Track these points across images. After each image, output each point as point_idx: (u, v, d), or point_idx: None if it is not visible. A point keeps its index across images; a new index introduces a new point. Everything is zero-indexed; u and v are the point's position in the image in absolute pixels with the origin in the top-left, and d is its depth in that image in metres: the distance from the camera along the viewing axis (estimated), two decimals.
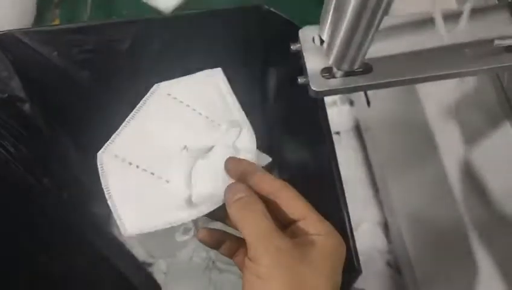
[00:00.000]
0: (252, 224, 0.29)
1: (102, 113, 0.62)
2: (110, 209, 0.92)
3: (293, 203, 0.31)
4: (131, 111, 0.43)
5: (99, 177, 0.40)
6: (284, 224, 0.31)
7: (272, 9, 0.51)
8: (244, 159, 0.35)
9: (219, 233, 0.35)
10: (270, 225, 0.28)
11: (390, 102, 0.90)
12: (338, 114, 1.12)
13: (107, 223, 0.89)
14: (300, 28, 0.38)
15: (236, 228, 0.30)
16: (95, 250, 0.74)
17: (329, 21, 0.33)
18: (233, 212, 0.30)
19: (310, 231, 0.30)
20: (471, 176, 0.61)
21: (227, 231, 0.36)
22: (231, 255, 0.35)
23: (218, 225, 0.37)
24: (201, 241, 0.35)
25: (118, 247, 0.83)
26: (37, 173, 0.63)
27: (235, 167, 0.34)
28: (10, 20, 0.96)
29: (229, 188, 0.32)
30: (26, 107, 0.56)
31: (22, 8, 1.07)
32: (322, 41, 0.36)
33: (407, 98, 0.79)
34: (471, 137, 0.60)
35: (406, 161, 0.87)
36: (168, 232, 0.89)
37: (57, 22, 1.21)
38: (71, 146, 0.65)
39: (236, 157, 0.35)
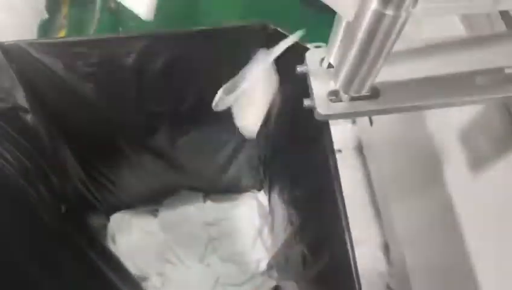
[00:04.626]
0: None
1: (104, 126, 0.62)
2: (106, 221, 0.91)
3: None
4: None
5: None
6: None
7: (278, 28, 0.51)
8: None
9: None
10: None
11: (394, 122, 0.90)
12: (340, 132, 1.11)
13: (103, 235, 0.89)
14: (305, 47, 0.38)
15: None
16: (90, 262, 0.73)
17: (337, 45, 0.33)
18: None
19: None
20: (476, 203, 0.60)
21: None
22: None
23: None
24: None
25: (113, 260, 0.82)
26: (36, 183, 0.62)
27: None
28: (16, 29, 0.96)
29: None
30: (29, 117, 0.56)
31: (29, 17, 1.07)
32: (329, 65, 0.36)
33: (411, 119, 0.79)
34: (477, 162, 0.59)
35: (408, 182, 0.86)
36: (160, 250, 0.88)
37: (63, 32, 1.22)
38: (71, 158, 0.64)
39: None
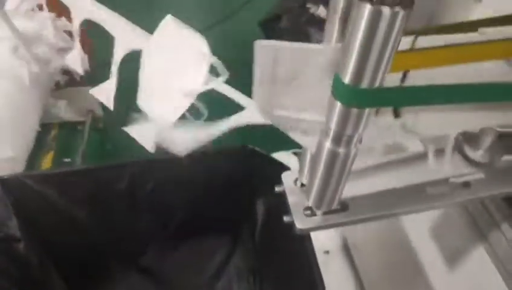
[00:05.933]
0: None
1: (94, 250, 0.63)
2: None
3: None
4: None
5: None
6: None
7: (256, 148, 0.57)
8: None
9: None
10: None
11: (375, 222, 0.93)
12: (326, 233, 1.13)
13: None
14: (284, 166, 0.44)
15: None
16: None
17: (306, 169, 0.38)
18: None
19: None
20: None
21: None
22: None
23: None
24: None
25: None
26: None
27: None
28: (6, 153, 1.00)
29: None
30: (21, 246, 0.57)
31: (19, 142, 1.12)
32: (302, 184, 0.41)
33: (390, 220, 0.83)
34: (450, 257, 0.62)
35: (395, 280, 0.87)
36: None
37: (51, 154, 1.27)
38: (61, 284, 0.64)
39: None
